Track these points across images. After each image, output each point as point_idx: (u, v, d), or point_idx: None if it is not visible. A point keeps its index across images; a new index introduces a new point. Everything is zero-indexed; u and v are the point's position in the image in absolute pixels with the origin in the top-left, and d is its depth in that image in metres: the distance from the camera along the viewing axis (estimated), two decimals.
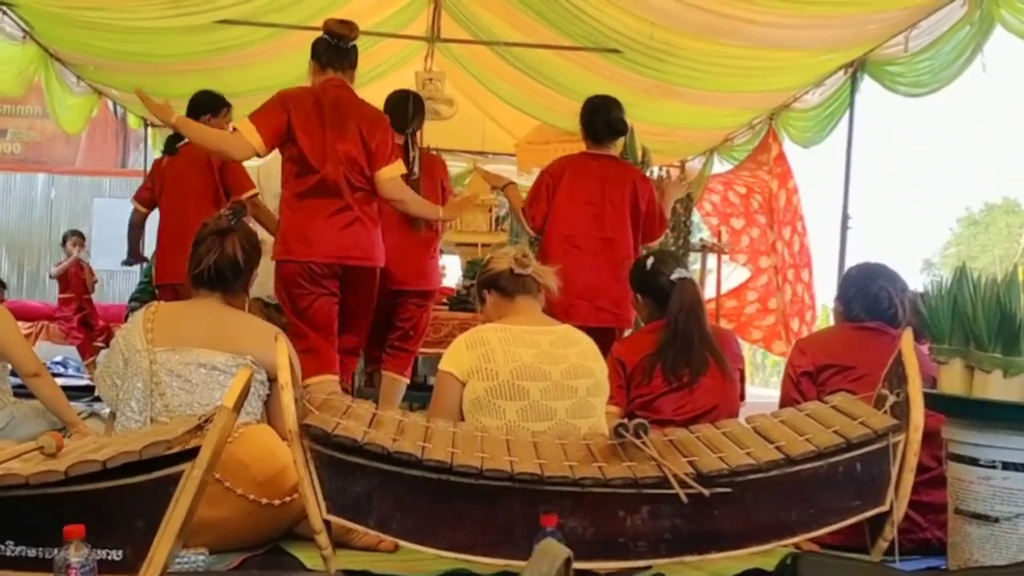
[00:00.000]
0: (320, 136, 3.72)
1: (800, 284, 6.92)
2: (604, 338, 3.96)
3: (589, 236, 4.15)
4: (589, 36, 5.84)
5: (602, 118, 4.23)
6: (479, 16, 6.53)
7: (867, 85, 5.38)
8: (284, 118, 3.70)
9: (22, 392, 3.89)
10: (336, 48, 3.86)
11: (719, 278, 7.66)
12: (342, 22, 3.86)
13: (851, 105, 5.51)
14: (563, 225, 4.17)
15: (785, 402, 2.96)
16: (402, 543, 2.20)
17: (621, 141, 4.55)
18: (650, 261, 3.32)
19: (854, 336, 3.04)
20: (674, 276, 3.18)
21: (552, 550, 1.72)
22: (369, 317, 4.07)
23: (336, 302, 3.82)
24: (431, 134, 6.90)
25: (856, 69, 5.37)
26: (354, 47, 3.92)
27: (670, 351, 3.07)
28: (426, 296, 4.64)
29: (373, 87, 6.78)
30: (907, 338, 2.39)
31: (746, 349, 7.80)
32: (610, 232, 4.16)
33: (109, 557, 1.94)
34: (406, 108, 4.48)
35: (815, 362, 3.00)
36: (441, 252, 4.81)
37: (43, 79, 6.14)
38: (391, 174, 3.84)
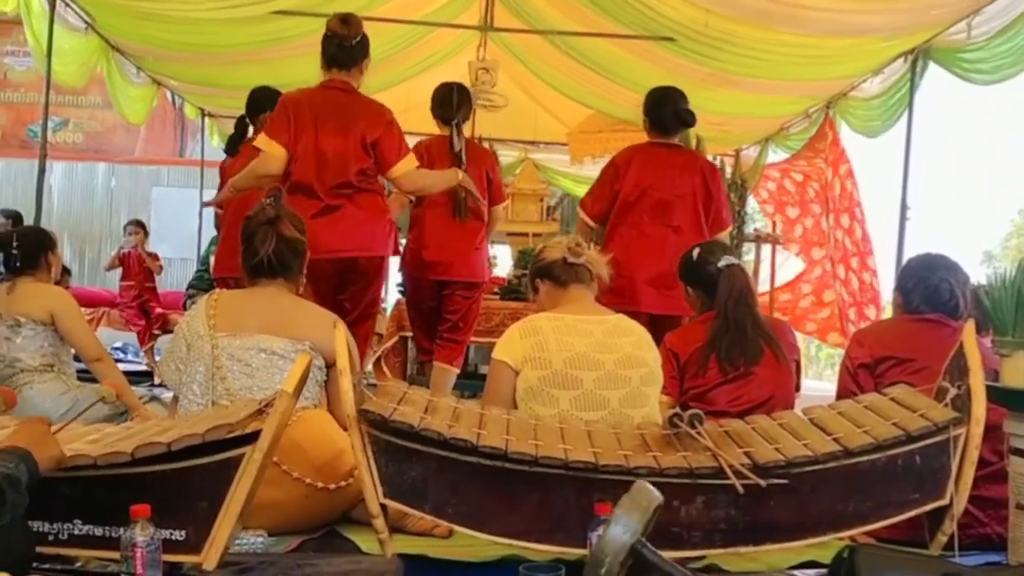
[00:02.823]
0: (306, 138, 3.72)
1: (867, 272, 6.68)
2: (669, 325, 3.94)
3: (656, 224, 4.13)
4: (643, 24, 5.78)
5: (670, 108, 4.21)
6: (532, 5, 6.51)
7: (927, 72, 5.27)
8: (291, 123, 3.73)
9: (85, 376, 4.00)
10: (339, 47, 3.79)
11: (773, 268, 7.55)
12: (343, 21, 3.78)
13: (911, 93, 5.40)
14: (631, 212, 4.16)
15: (842, 394, 2.91)
16: (457, 528, 2.22)
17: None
18: (696, 252, 3.29)
19: (913, 328, 2.99)
20: (721, 263, 3.15)
21: (647, 493, 1.70)
22: (370, 316, 4.04)
23: (332, 298, 3.80)
24: (484, 124, 6.94)
25: (917, 56, 5.26)
26: (359, 44, 3.82)
27: (724, 340, 3.05)
28: (472, 288, 4.66)
29: (426, 76, 6.86)
30: (969, 330, 2.35)
31: (800, 341, 7.67)
32: (677, 221, 4.14)
33: (173, 536, 1.99)
34: (451, 100, 4.55)
35: (873, 354, 2.95)
36: (492, 243, 4.80)
37: (105, 70, 6.26)
38: (403, 170, 3.81)
